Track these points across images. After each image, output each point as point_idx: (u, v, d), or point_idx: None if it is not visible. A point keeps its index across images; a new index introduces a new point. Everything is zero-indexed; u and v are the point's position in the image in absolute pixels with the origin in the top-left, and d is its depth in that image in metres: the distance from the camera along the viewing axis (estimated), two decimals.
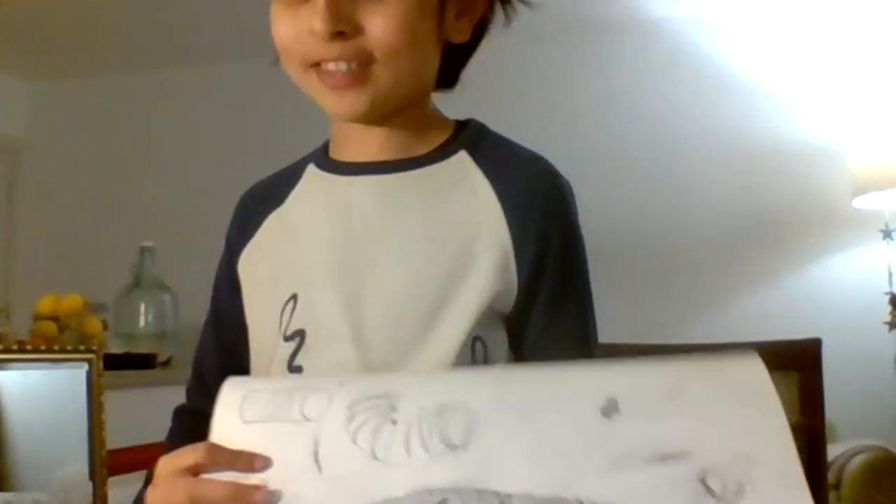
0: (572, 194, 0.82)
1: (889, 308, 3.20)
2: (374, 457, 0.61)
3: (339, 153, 0.86)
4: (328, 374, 0.74)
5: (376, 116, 0.81)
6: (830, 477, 2.61)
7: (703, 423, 0.59)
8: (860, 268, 3.39)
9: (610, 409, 0.60)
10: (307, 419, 0.65)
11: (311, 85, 0.79)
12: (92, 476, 1.81)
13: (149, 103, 4.27)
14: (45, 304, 2.34)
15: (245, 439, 0.66)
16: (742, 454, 0.56)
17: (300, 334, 0.78)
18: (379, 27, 0.75)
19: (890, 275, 3.27)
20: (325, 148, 0.89)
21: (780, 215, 3.49)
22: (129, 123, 4.30)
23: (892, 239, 3.28)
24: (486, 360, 0.76)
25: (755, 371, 0.62)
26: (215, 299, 0.91)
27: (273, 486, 0.63)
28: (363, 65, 0.76)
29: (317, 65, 0.78)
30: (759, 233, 3.51)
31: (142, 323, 2.98)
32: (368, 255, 0.79)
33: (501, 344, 0.78)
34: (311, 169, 0.87)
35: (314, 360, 0.77)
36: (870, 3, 3.42)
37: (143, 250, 3.01)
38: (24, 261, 4.28)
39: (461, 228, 0.78)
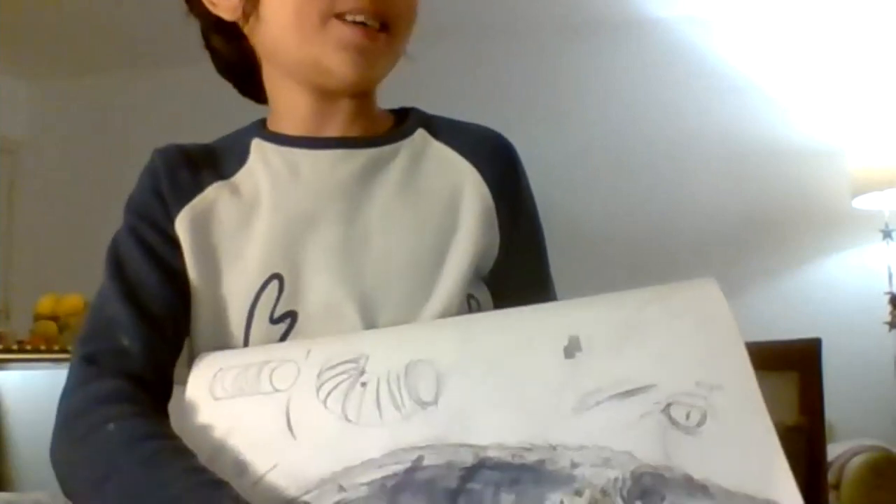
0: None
1: (889, 308, 3.20)
2: (347, 419, 0.61)
3: (293, 129, 0.84)
4: (294, 343, 0.73)
5: (371, 84, 0.83)
6: (830, 477, 2.61)
7: (664, 354, 0.60)
8: (860, 268, 3.39)
9: (572, 349, 0.61)
10: (277, 390, 0.65)
11: (324, 37, 0.78)
12: None
13: (149, 103, 4.27)
14: (45, 304, 2.34)
15: (216, 416, 0.66)
16: (703, 382, 0.56)
17: (290, 315, 0.76)
18: None
19: (890, 275, 3.27)
20: (261, 124, 0.87)
21: (780, 215, 3.49)
22: (130, 123, 4.30)
23: (891, 239, 3.28)
24: None
25: (711, 297, 0.62)
26: (136, 251, 0.81)
27: (249, 457, 0.62)
28: (383, 27, 0.79)
29: (339, 17, 0.78)
30: (759, 233, 3.51)
31: None
32: (358, 230, 0.79)
33: (488, 302, 0.80)
34: (262, 143, 0.84)
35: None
36: (869, 3, 3.42)
37: None
38: (24, 261, 4.28)
39: (443, 192, 0.81)
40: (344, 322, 0.75)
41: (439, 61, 3.19)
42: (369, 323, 0.75)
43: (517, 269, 0.83)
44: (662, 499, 0.51)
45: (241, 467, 0.63)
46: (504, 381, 0.61)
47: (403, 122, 0.86)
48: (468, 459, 0.56)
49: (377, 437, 0.59)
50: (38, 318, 2.31)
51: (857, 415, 3.05)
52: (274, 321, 0.76)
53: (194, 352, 0.78)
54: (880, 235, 3.29)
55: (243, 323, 0.76)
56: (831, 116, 3.47)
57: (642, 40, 3.69)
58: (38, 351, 1.93)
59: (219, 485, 0.63)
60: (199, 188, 0.82)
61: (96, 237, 4.25)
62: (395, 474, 0.57)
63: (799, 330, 1.94)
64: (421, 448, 0.57)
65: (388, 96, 0.88)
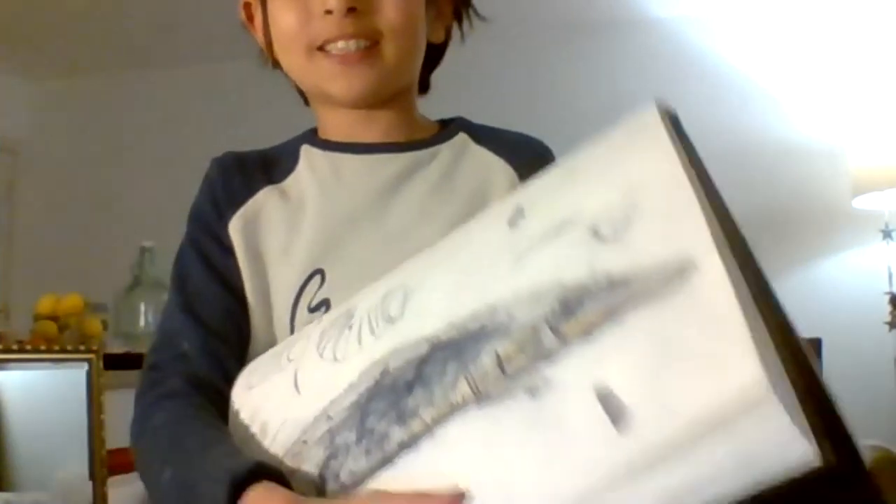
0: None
1: (889, 308, 3.20)
2: (335, 360, 0.64)
3: (338, 137, 0.88)
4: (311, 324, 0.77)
5: (381, 97, 0.84)
6: None
7: (594, 181, 0.58)
8: (860, 268, 3.39)
9: (516, 218, 0.61)
10: (290, 361, 0.70)
11: (316, 69, 0.82)
12: (92, 476, 1.81)
13: (149, 103, 4.27)
14: (45, 304, 2.34)
15: (248, 403, 0.71)
16: (628, 190, 0.54)
17: (325, 303, 0.79)
18: (393, 5, 0.81)
19: (890, 275, 3.27)
20: (313, 132, 0.91)
21: (780, 215, 3.49)
22: (129, 123, 4.30)
23: (891, 239, 3.28)
24: None
25: (648, 122, 0.60)
26: (195, 262, 0.84)
27: (269, 425, 0.67)
28: (371, 43, 0.80)
29: (321, 49, 0.81)
30: (759, 233, 3.47)
31: (142, 323, 2.97)
32: (396, 226, 0.81)
33: None
34: (310, 149, 0.88)
35: None
36: (869, 3, 3.42)
37: (143, 250, 3.01)
38: (24, 261, 4.28)
39: (479, 189, 0.84)
40: None
41: None
42: None
43: None
44: (581, 305, 0.49)
45: (263, 435, 0.67)
46: (456, 270, 0.62)
47: (447, 127, 0.90)
48: (423, 350, 0.57)
49: (356, 363, 0.62)
50: (38, 318, 2.30)
51: (857, 415, 3.03)
52: (311, 310, 0.79)
53: (252, 351, 0.81)
54: (880, 235, 3.29)
55: (288, 317, 0.80)
56: (831, 116, 3.46)
57: (642, 40, 3.69)
58: (38, 351, 1.92)
59: (226, 443, 0.68)
60: (250, 193, 0.86)
61: (96, 237, 4.27)
62: (368, 388, 0.59)
63: (799, 330, 1.94)
64: (387, 356, 0.59)
65: None
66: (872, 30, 3.45)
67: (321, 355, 0.66)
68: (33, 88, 4.47)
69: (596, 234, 0.53)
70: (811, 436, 0.43)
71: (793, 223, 3.47)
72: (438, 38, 0.89)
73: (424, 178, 0.84)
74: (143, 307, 2.99)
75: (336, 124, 0.88)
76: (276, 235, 0.83)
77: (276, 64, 0.90)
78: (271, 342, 0.80)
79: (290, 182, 0.86)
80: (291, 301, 0.80)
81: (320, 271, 0.80)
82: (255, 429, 0.69)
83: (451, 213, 0.81)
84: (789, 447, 0.42)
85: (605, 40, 3.73)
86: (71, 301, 2.36)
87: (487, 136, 0.88)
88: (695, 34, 3.63)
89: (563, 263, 0.53)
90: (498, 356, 0.52)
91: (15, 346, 1.86)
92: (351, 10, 0.79)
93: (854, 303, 3.33)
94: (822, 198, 3.44)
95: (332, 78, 0.81)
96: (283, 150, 0.90)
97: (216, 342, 0.80)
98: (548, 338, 0.50)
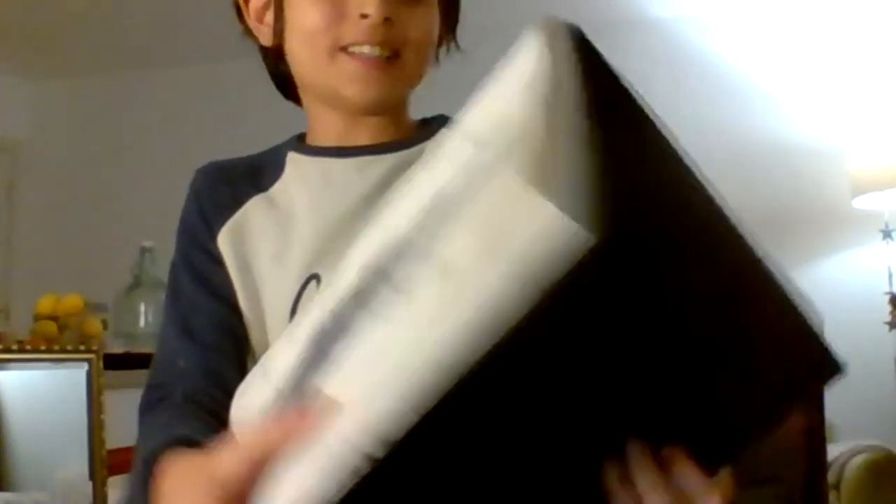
0: None
1: (889, 308, 3.20)
2: (291, 339, 0.64)
3: (327, 142, 0.88)
4: None
5: (390, 105, 0.86)
6: (830, 477, 2.61)
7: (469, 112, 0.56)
8: (860, 268, 3.39)
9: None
10: (267, 358, 0.69)
11: (337, 70, 0.82)
12: (92, 476, 1.82)
13: (149, 103, 4.27)
14: (45, 304, 2.34)
15: (237, 412, 0.70)
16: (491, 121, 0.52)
17: None
18: (419, 23, 0.83)
19: (890, 275, 3.27)
20: (298, 139, 0.91)
21: (780, 215, 3.49)
22: (130, 123, 4.30)
23: (891, 239, 3.28)
24: None
25: (528, 44, 0.55)
26: (186, 276, 0.85)
27: (247, 417, 0.66)
28: (394, 54, 0.82)
29: (344, 50, 0.82)
30: (759, 232, 3.51)
31: (142, 323, 2.97)
32: None
33: None
34: (296, 157, 0.88)
35: None
36: (869, 3, 3.42)
37: (143, 250, 3.01)
38: (24, 261, 4.28)
39: None
40: None
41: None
42: None
43: None
44: (438, 221, 0.50)
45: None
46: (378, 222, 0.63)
47: (430, 124, 0.90)
48: (344, 300, 0.59)
49: (303, 332, 0.62)
50: (38, 318, 2.30)
51: (857, 415, 3.05)
52: None
53: (251, 360, 0.81)
54: (880, 235, 3.29)
55: (286, 323, 0.79)
56: (831, 116, 3.47)
57: (642, 40, 3.69)
58: (38, 351, 1.92)
59: (176, 427, 0.70)
60: (238, 204, 0.86)
61: (96, 237, 4.26)
62: (305, 351, 0.60)
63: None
64: (322, 316, 0.60)
65: None
66: (872, 30, 3.45)
67: (289, 339, 0.66)
68: (33, 88, 4.47)
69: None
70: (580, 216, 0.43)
71: (793, 223, 3.47)
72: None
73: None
74: (143, 307, 2.99)
75: (329, 127, 0.88)
76: (266, 244, 0.83)
77: (276, 62, 0.90)
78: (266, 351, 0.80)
79: (277, 189, 0.86)
80: (289, 308, 0.80)
81: (316, 276, 0.80)
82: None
83: None
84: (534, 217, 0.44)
85: (605, 40, 3.68)
86: (71, 301, 2.36)
87: None
88: (695, 34, 3.63)
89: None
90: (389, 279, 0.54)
91: (15, 346, 1.86)
92: (387, 20, 0.81)
93: (854, 303, 3.32)
94: (822, 198, 3.44)
95: (351, 81, 0.82)
96: (268, 158, 0.90)
97: (213, 356, 0.80)
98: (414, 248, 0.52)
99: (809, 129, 3.49)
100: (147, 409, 0.79)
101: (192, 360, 0.80)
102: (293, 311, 0.80)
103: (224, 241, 0.84)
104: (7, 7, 3.47)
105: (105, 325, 2.48)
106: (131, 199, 4.18)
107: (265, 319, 0.82)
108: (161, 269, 3.05)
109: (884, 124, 3.21)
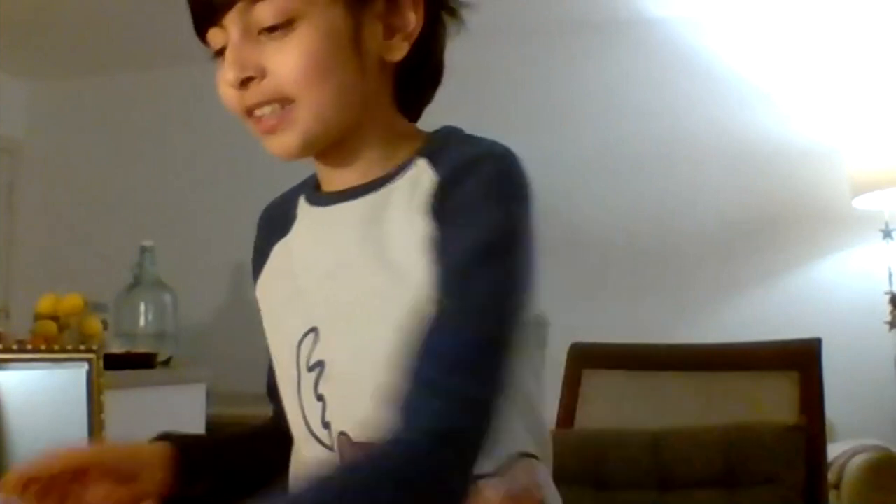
0: (510, 178, 0.77)
1: (889, 308, 3.20)
2: None
3: (323, 184, 0.88)
4: None
5: (316, 151, 0.83)
6: (830, 477, 2.61)
7: None
8: (860, 267, 3.39)
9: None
10: None
11: (253, 132, 0.82)
12: None
13: (148, 103, 4.27)
14: (45, 304, 2.34)
15: None
16: None
17: (320, 364, 0.81)
18: (282, 66, 0.77)
19: (890, 275, 3.27)
20: (314, 178, 0.90)
21: (780, 215, 3.49)
22: (129, 123, 4.30)
23: (891, 239, 3.28)
24: None
25: None
26: None
27: None
28: (287, 105, 0.78)
29: (250, 114, 0.80)
30: (759, 233, 3.51)
31: (142, 323, 2.98)
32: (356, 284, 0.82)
33: None
34: (302, 202, 0.89)
35: (334, 388, 0.81)
36: (868, 3, 3.42)
37: (143, 250, 3.01)
38: (24, 261, 4.28)
39: (400, 239, 0.78)
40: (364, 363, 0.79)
41: None
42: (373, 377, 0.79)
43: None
44: None
45: None
46: None
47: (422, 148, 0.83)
48: None
49: None
50: (38, 318, 2.31)
51: (857, 415, 3.05)
52: (310, 369, 0.82)
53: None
54: (880, 235, 3.29)
55: (295, 375, 0.84)
56: (830, 116, 3.46)
57: (642, 40, 3.69)
58: (38, 351, 1.92)
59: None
60: (267, 255, 0.91)
61: (96, 237, 4.25)
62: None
63: (799, 330, 1.94)
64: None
65: None
66: (871, 30, 3.45)
67: None
68: (33, 88, 4.47)
69: None
70: None
71: (793, 223, 3.47)
72: (398, 55, 0.81)
73: (391, 218, 0.79)
74: (143, 307, 2.99)
75: (317, 167, 0.88)
76: (282, 290, 0.88)
77: None
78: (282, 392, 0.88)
79: (292, 236, 0.89)
80: (294, 361, 0.84)
81: (314, 329, 0.82)
82: None
83: (376, 280, 0.80)
84: None
85: (603, 40, 3.72)
86: (71, 301, 2.35)
87: (446, 159, 0.79)
88: (693, 35, 3.63)
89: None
90: None
91: (15, 346, 1.86)
92: (247, 80, 0.77)
93: (854, 303, 3.33)
94: (822, 198, 3.44)
95: (264, 142, 0.81)
96: (292, 199, 0.91)
97: (273, 392, 0.91)
98: None
99: (809, 130, 3.49)
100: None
101: (269, 390, 0.96)
102: (297, 365, 0.83)
103: (259, 292, 0.92)
104: (7, 7, 3.47)
105: (105, 324, 2.48)
106: (131, 199, 4.18)
107: (280, 366, 0.88)
108: (161, 268, 3.05)
109: (884, 124, 3.21)
